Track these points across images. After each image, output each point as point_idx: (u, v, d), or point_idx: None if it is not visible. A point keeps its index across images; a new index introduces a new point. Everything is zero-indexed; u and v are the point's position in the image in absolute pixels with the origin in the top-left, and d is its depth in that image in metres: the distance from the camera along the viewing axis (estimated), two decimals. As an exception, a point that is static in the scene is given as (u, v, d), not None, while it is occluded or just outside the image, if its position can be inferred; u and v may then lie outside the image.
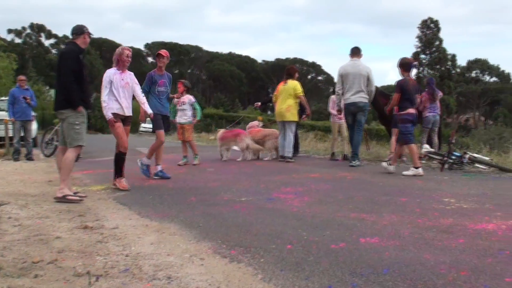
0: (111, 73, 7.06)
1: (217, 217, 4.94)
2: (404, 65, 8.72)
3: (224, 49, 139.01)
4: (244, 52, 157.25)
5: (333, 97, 11.71)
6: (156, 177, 8.10)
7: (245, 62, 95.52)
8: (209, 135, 25.99)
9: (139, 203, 5.87)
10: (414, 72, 56.09)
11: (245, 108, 67.04)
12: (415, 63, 10.71)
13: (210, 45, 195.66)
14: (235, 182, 7.48)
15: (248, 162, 10.94)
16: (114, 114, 6.94)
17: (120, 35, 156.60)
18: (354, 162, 9.84)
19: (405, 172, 8.28)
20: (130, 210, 5.46)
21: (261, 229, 4.37)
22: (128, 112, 7.18)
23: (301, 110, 11.56)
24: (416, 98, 8.86)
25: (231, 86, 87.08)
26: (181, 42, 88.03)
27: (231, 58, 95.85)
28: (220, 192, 6.53)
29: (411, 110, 8.51)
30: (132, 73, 7.30)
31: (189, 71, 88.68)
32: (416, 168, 8.22)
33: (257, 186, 7.08)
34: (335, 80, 11.14)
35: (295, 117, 10.76)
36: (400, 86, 8.53)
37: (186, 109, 10.58)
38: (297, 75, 11.14)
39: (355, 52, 10.24)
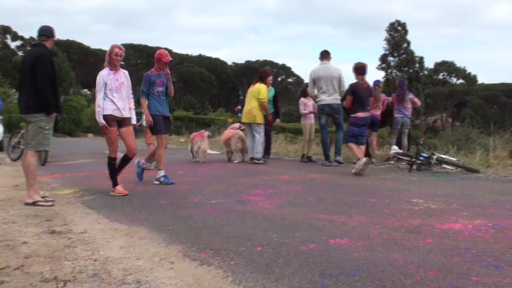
0: (104, 75, 6.67)
1: (187, 220, 4.92)
2: (358, 69, 9.15)
3: (194, 51, 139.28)
4: (214, 54, 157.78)
5: (302, 99, 11.82)
6: (156, 183, 7.67)
7: (215, 64, 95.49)
8: (179, 137, 25.90)
9: (108, 206, 5.80)
10: (383, 74, 56.54)
11: (215, 110, 66.90)
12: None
13: (180, 47, 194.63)
14: (205, 185, 7.46)
15: (219, 164, 10.95)
16: (109, 115, 6.60)
17: (89, 37, 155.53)
18: (339, 158, 10.43)
19: (353, 171, 8.64)
20: (98, 214, 5.39)
21: (231, 231, 4.37)
22: (126, 113, 6.81)
23: (276, 114, 11.69)
24: (369, 101, 9.22)
25: (201, 88, 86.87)
26: (150, 44, 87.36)
27: (201, 60, 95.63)
28: (190, 195, 6.50)
29: (360, 114, 8.90)
30: (126, 72, 6.95)
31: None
32: (354, 163, 8.86)
33: (227, 188, 7.07)
34: (305, 82, 11.30)
35: (255, 119, 10.78)
36: (352, 89, 8.96)
37: None
38: (269, 79, 11.12)
39: (324, 55, 10.52)
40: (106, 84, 6.63)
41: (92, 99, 51.30)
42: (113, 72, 6.74)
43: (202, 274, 3.21)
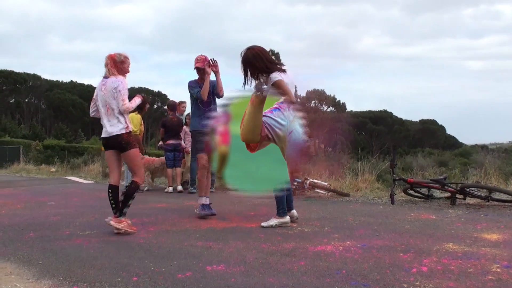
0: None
1: (58, 253, 4.71)
2: (169, 106, 11.45)
3: (65, 78, 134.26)
4: (87, 81, 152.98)
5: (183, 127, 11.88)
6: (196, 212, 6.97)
7: (88, 91, 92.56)
8: (50, 167, 24.73)
9: (-30, 242, 5.40)
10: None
11: (88, 138, 64.79)
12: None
13: (51, 73, 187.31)
14: (78, 216, 7.19)
15: (92, 194, 10.60)
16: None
17: None
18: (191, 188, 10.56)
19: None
20: (-41, 250, 5.00)
21: (105, 262, 4.24)
22: None
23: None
24: (178, 131, 11.19)
25: (73, 116, 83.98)
26: (17, 70, 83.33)
27: (73, 87, 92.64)
28: (62, 227, 6.23)
29: (170, 141, 11.03)
30: None
31: (26, 100, 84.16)
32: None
33: (101, 218, 6.83)
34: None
35: None
36: (163, 123, 11.32)
37: None
38: (146, 106, 11.14)
39: None
40: None
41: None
42: None
43: (75, 309, 3.09)
